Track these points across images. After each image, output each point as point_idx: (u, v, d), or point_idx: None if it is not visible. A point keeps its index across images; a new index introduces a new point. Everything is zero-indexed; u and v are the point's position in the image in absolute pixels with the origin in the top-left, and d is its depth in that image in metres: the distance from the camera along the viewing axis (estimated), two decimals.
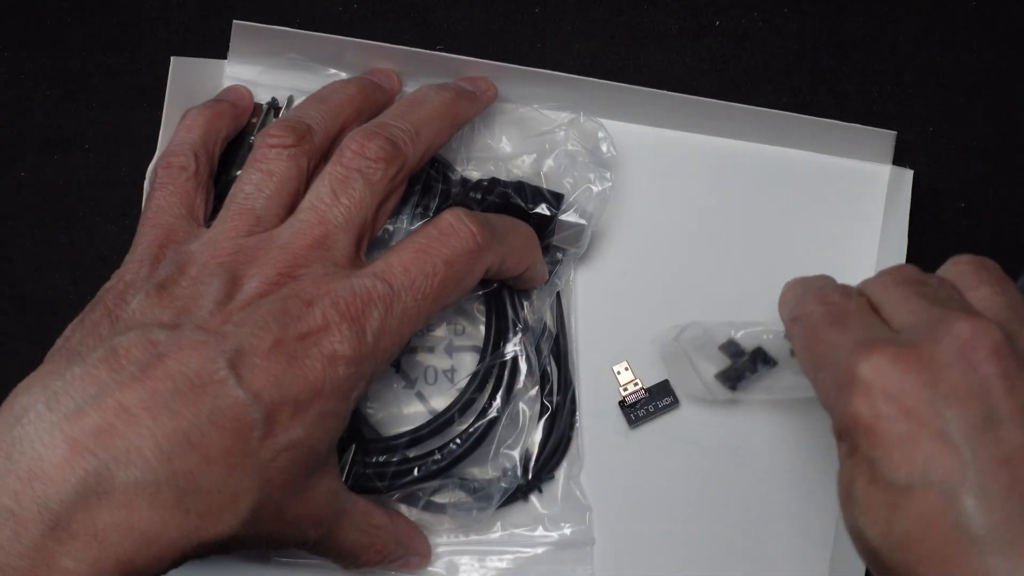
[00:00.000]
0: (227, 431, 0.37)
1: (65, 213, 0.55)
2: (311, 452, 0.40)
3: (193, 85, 0.53)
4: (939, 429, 0.35)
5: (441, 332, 0.53)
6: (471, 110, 0.51)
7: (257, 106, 0.53)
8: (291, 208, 0.44)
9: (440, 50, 0.55)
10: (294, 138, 0.45)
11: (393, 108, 0.48)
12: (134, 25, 0.56)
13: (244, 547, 0.40)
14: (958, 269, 0.41)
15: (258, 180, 0.45)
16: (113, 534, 0.35)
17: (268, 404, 0.38)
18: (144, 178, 0.49)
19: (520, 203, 0.50)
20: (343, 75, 0.53)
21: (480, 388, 0.51)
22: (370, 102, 0.50)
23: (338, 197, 0.44)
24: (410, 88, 0.53)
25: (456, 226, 0.44)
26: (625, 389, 0.53)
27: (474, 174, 0.53)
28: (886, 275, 0.42)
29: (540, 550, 0.52)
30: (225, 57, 0.54)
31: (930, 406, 0.35)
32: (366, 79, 0.51)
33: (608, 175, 0.52)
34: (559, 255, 0.52)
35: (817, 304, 0.42)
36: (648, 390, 0.53)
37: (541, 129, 0.53)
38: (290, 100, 0.53)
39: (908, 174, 0.52)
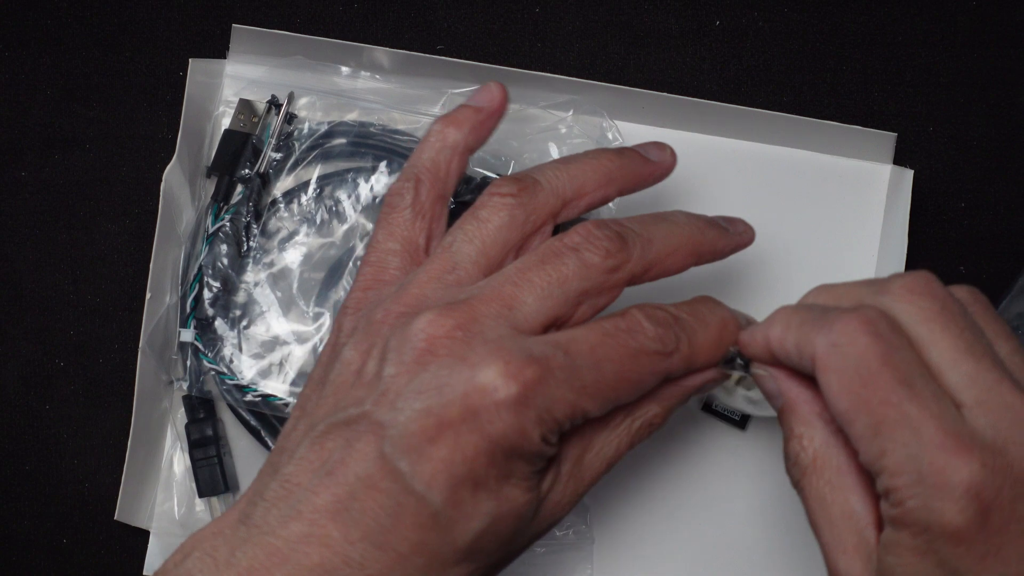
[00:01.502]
0: (411, 526, 0.36)
1: (65, 213, 0.55)
2: (515, 516, 0.38)
3: (209, 86, 0.53)
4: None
5: None
6: (718, 244, 0.46)
7: (269, 105, 0.53)
8: (499, 264, 0.41)
9: (440, 50, 0.55)
10: (516, 188, 0.42)
11: (636, 216, 0.43)
12: (134, 25, 0.56)
13: None
14: (974, 312, 0.38)
15: (470, 228, 0.41)
16: None
17: (443, 490, 0.36)
18: (151, 179, 0.49)
19: None
20: (344, 70, 0.53)
21: None
22: (625, 172, 0.45)
23: (543, 265, 0.40)
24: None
25: (643, 324, 0.39)
26: None
27: (477, 172, 0.53)
28: (916, 297, 0.37)
29: (540, 550, 0.52)
30: (225, 57, 0.54)
31: (1019, 522, 0.34)
32: (630, 149, 0.46)
33: None
34: None
35: (865, 333, 0.36)
36: None
37: (543, 126, 0.53)
38: (290, 98, 0.53)
39: (908, 174, 0.53)
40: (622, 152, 0.45)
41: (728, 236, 0.46)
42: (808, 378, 0.39)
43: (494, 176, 0.52)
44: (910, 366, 0.35)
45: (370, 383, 0.38)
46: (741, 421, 0.53)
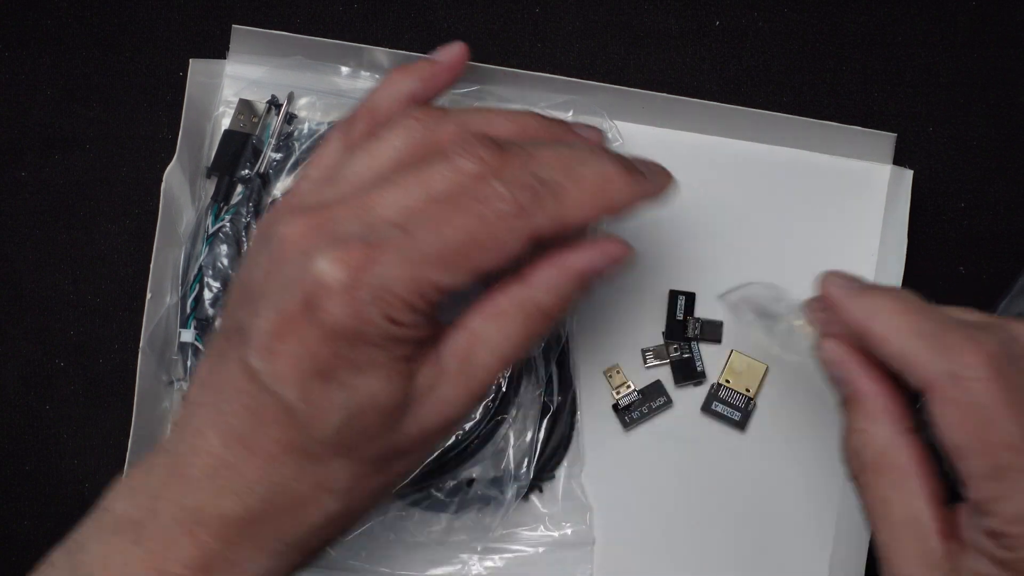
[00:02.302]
0: (272, 425, 0.37)
1: (65, 213, 0.55)
2: (376, 408, 0.37)
3: (209, 86, 0.53)
4: None
5: None
6: (637, 194, 0.41)
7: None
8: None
9: None
10: (423, 113, 0.41)
11: (540, 145, 0.41)
12: (134, 25, 0.56)
13: (378, 494, 0.40)
14: None
15: (367, 144, 0.41)
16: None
17: (294, 385, 0.36)
18: (151, 179, 0.49)
19: None
20: (344, 70, 0.53)
21: None
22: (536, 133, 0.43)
23: (410, 168, 0.39)
24: None
25: (498, 190, 0.38)
26: (617, 392, 0.53)
27: None
28: None
29: (540, 549, 0.52)
30: (225, 57, 0.54)
31: None
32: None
33: None
34: None
35: (991, 371, 0.35)
36: (641, 392, 0.53)
37: None
38: (290, 97, 0.53)
39: (908, 174, 0.53)
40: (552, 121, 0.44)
41: (644, 187, 0.41)
42: (879, 367, 0.38)
43: None
44: None
45: (246, 294, 0.39)
46: (741, 421, 0.53)
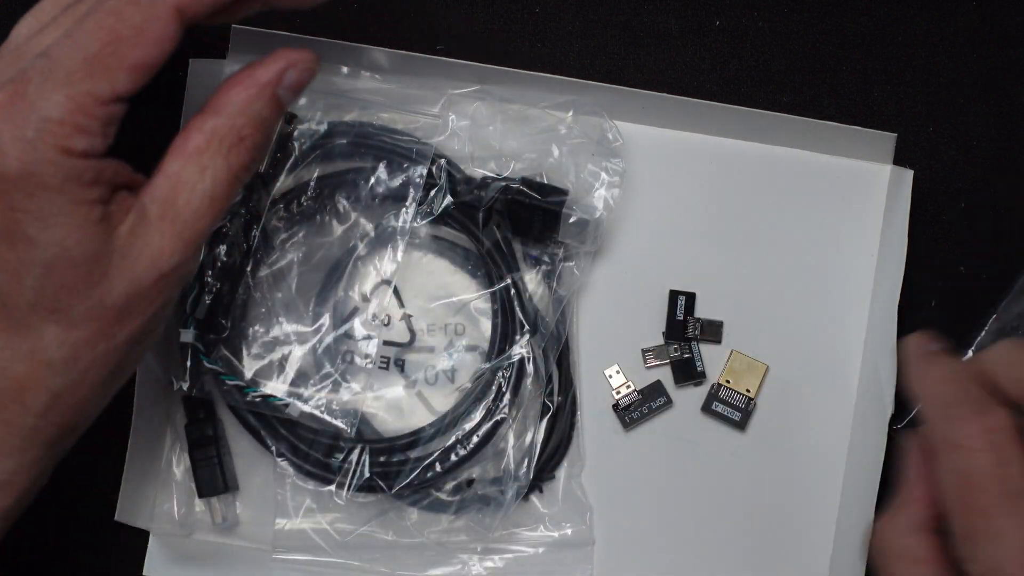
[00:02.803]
0: None
1: None
2: (70, 260, 0.35)
3: (209, 86, 0.53)
4: None
5: (441, 333, 0.53)
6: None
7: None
8: None
9: (440, 50, 0.55)
10: None
11: None
12: None
13: (109, 363, 0.37)
14: None
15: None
16: None
17: None
18: None
19: (527, 200, 0.51)
20: (344, 70, 0.53)
21: (485, 389, 0.51)
22: None
23: None
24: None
25: None
26: (618, 392, 0.53)
27: (478, 172, 0.53)
28: None
29: (540, 549, 0.52)
30: (225, 57, 0.54)
31: None
32: None
33: (618, 162, 0.52)
34: (560, 252, 0.52)
35: (983, 444, 0.37)
36: (641, 392, 0.53)
37: (543, 126, 0.53)
38: None
39: (908, 174, 0.52)
40: None
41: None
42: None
43: (493, 176, 0.52)
44: (1019, 481, 0.36)
45: None
46: (741, 421, 0.53)
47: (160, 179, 0.37)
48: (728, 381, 0.53)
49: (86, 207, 0.35)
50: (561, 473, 0.53)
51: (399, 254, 0.52)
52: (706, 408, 0.53)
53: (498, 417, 0.50)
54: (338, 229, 0.53)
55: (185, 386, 0.52)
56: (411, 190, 0.52)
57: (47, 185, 0.34)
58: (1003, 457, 0.36)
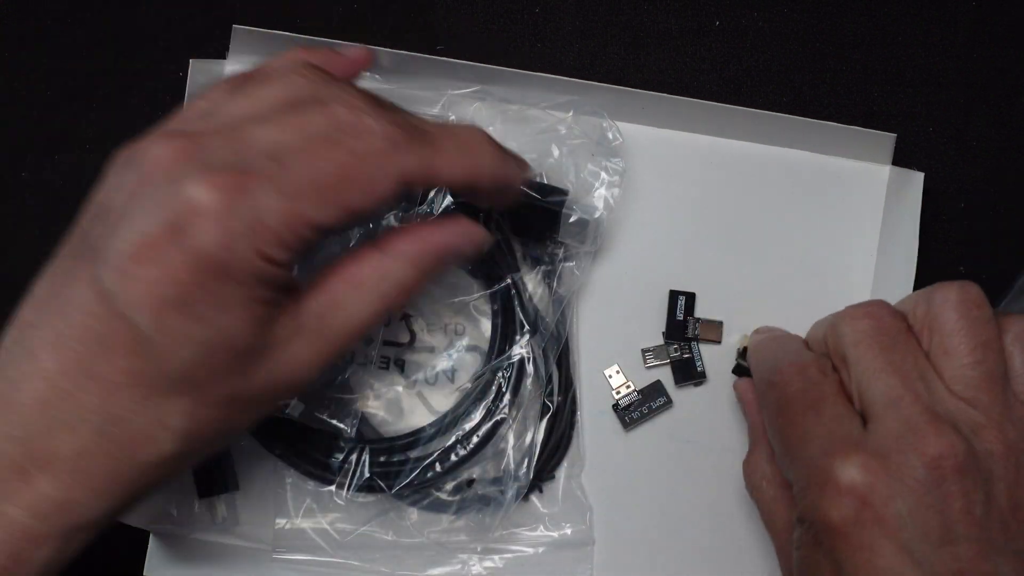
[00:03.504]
0: (120, 352, 0.35)
1: (65, 213, 0.55)
2: (230, 348, 0.36)
3: (209, 86, 0.53)
4: (901, 541, 0.37)
5: (441, 333, 0.53)
6: (502, 178, 0.43)
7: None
8: None
9: (440, 51, 0.55)
10: (316, 74, 0.40)
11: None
12: (134, 25, 0.56)
13: (214, 443, 0.38)
14: (939, 313, 0.42)
15: (255, 89, 0.41)
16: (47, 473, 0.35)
17: (150, 312, 0.35)
18: None
19: (527, 200, 0.51)
20: None
21: (485, 389, 0.51)
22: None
23: (288, 107, 0.39)
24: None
25: (371, 125, 0.38)
26: (618, 392, 0.53)
27: None
28: (859, 324, 0.43)
29: (540, 549, 0.52)
30: (226, 57, 0.54)
31: (896, 518, 0.38)
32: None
33: (618, 162, 0.52)
34: (560, 252, 0.52)
35: (795, 376, 0.43)
36: (641, 392, 0.53)
37: (543, 127, 0.53)
38: None
39: (918, 177, 0.52)
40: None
41: (510, 163, 0.43)
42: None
43: None
44: (824, 398, 0.42)
45: (103, 214, 0.37)
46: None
47: (323, 296, 0.39)
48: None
49: (259, 306, 0.36)
50: (561, 473, 0.53)
51: None
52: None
53: (498, 417, 0.50)
54: None
55: None
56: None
57: (235, 277, 0.35)
58: (809, 375, 0.43)
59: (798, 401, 0.43)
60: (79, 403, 0.35)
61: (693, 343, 0.53)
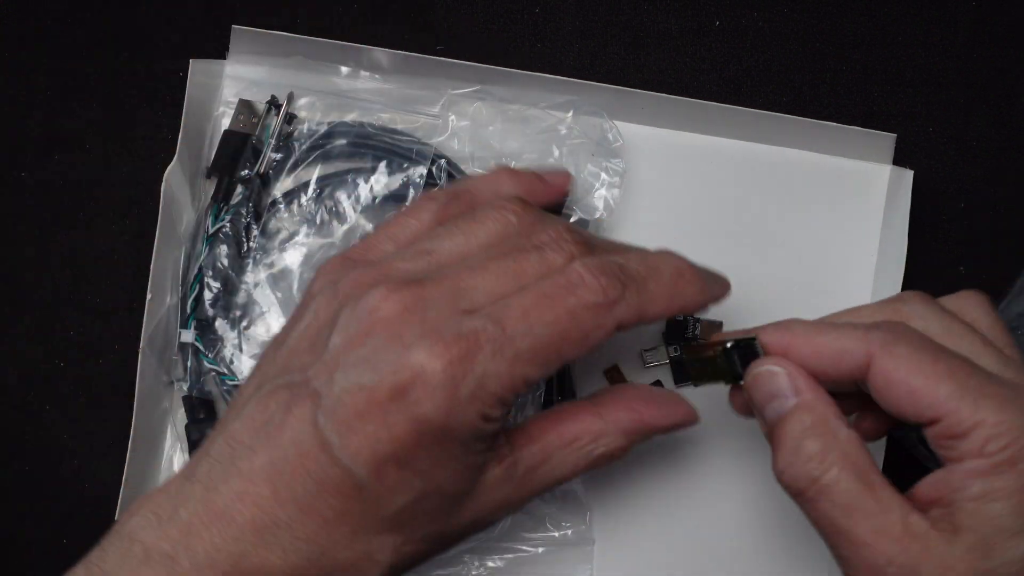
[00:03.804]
0: (335, 495, 0.37)
1: (65, 213, 0.55)
2: (442, 494, 0.38)
3: (209, 86, 0.53)
4: None
5: None
6: (704, 300, 0.43)
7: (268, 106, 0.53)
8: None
9: (440, 51, 0.55)
10: (522, 207, 0.42)
11: (619, 245, 0.43)
12: (134, 25, 0.56)
13: (413, 567, 0.40)
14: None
15: (463, 224, 0.42)
16: None
17: (368, 464, 0.36)
18: (151, 179, 0.49)
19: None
20: (344, 70, 0.53)
21: None
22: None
23: (506, 255, 0.40)
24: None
25: (585, 278, 0.38)
26: None
27: (478, 172, 0.53)
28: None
29: (540, 549, 0.52)
30: (226, 57, 0.54)
31: None
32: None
33: (619, 163, 0.52)
34: None
35: (914, 329, 0.40)
36: None
37: (543, 126, 0.53)
38: (290, 97, 0.53)
39: (908, 175, 0.53)
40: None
41: (712, 289, 0.44)
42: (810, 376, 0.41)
43: None
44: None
45: (318, 350, 0.38)
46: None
47: (536, 448, 0.40)
48: None
49: (474, 456, 0.38)
50: None
51: None
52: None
53: None
54: (338, 229, 0.53)
55: (185, 386, 0.52)
56: (411, 190, 0.52)
57: (456, 439, 0.37)
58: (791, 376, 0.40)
59: (945, 348, 0.39)
60: (292, 532, 0.37)
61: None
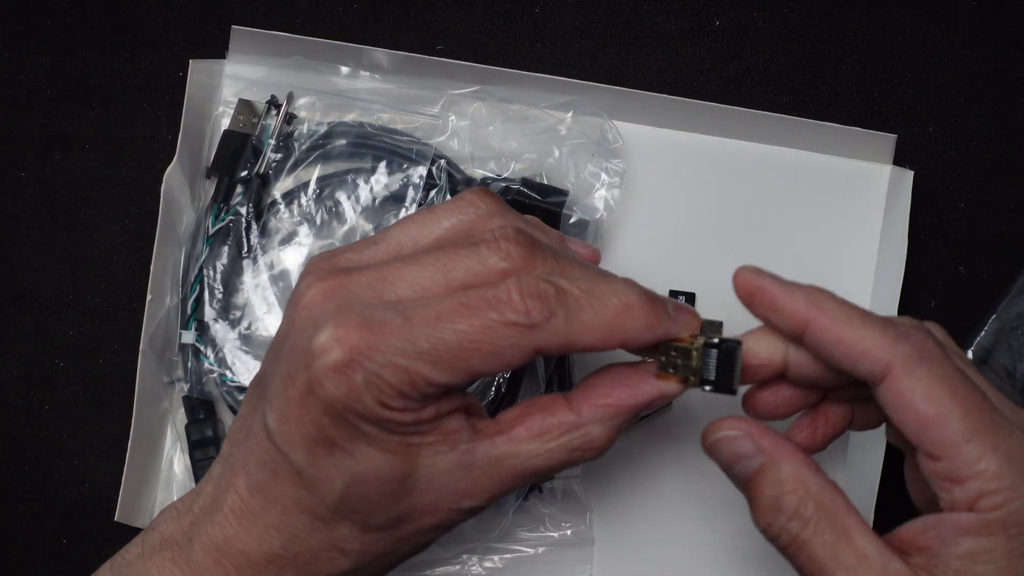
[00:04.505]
0: (286, 482, 0.39)
1: (65, 213, 0.55)
2: (378, 477, 0.38)
3: (209, 86, 0.53)
4: None
5: None
6: (652, 334, 0.40)
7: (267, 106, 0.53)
8: None
9: (440, 51, 0.55)
10: (521, 253, 0.39)
11: (573, 262, 0.40)
12: (134, 25, 0.56)
13: (386, 562, 0.41)
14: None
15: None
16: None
17: (301, 449, 0.38)
18: (151, 179, 0.49)
19: (527, 201, 0.51)
20: (344, 70, 0.53)
21: (485, 389, 0.51)
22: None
23: (438, 250, 0.40)
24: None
25: (512, 295, 0.37)
26: None
27: (478, 173, 0.53)
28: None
29: (540, 549, 0.52)
30: (225, 57, 0.54)
31: None
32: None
33: (619, 163, 0.52)
34: None
35: (942, 349, 0.38)
36: None
37: (543, 126, 0.53)
38: (290, 97, 0.53)
39: (908, 175, 0.53)
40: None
41: (665, 326, 0.40)
42: (775, 434, 0.40)
43: (494, 177, 0.52)
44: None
45: (274, 347, 0.40)
46: None
47: (502, 438, 0.40)
48: None
49: (399, 438, 0.38)
50: (560, 473, 0.53)
51: None
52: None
53: None
54: (338, 229, 0.53)
55: (185, 386, 0.52)
56: (411, 191, 0.52)
57: (366, 419, 0.37)
58: (952, 358, 0.39)
59: (967, 381, 0.38)
60: (263, 520, 0.39)
61: None
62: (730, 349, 0.39)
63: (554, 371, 0.52)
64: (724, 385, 0.39)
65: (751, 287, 0.40)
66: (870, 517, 0.51)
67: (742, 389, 0.42)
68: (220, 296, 0.52)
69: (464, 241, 0.39)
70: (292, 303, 0.39)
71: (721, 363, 0.39)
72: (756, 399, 0.42)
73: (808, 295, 0.39)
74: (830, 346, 0.38)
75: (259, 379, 0.41)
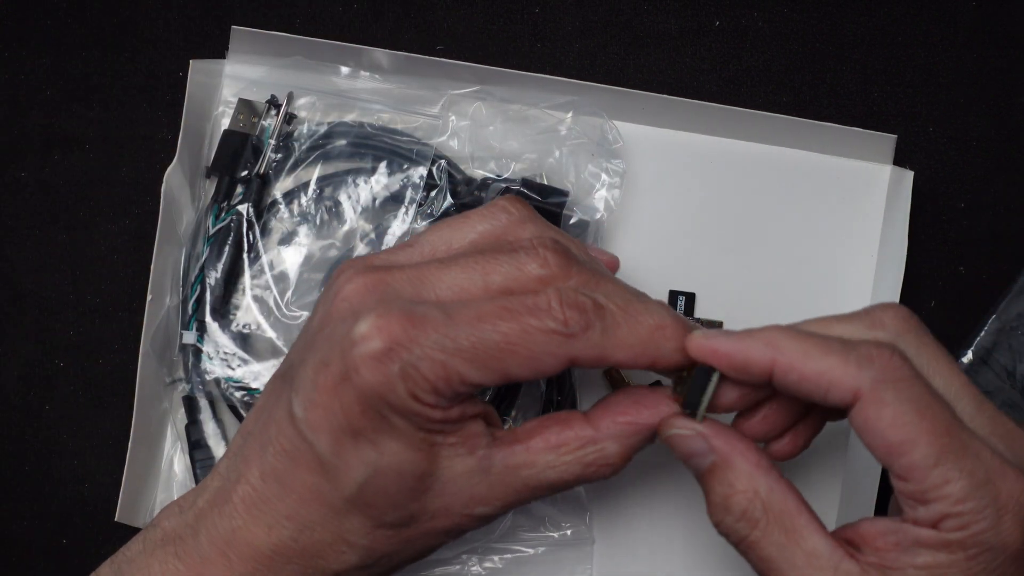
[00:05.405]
0: (305, 470, 0.39)
1: (65, 213, 0.55)
2: (399, 472, 0.38)
3: (209, 86, 0.53)
4: None
5: None
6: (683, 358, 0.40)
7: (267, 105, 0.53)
8: None
9: (440, 51, 0.55)
10: (558, 264, 0.40)
11: (610, 281, 0.41)
12: (134, 25, 0.56)
13: (393, 562, 0.41)
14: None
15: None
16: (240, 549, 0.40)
17: (326, 437, 0.38)
18: (151, 179, 0.49)
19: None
20: (344, 70, 0.53)
21: (485, 391, 0.51)
22: None
23: (477, 254, 0.40)
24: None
25: (552, 303, 0.38)
26: None
27: (478, 173, 0.53)
28: (911, 328, 0.40)
29: (540, 550, 0.52)
30: (225, 57, 0.54)
31: None
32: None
33: (619, 163, 0.52)
34: None
35: (911, 371, 0.38)
36: None
37: (543, 127, 0.53)
38: (289, 98, 0.53)
39: (908, 175, 0.53)
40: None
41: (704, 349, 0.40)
42: (732, 431, 0.40)
43: (494, 177, 0.52)
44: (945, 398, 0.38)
45: (303, 339, 0.41)
46: None
47: (520, 447, 0.40)
48: None
49: (424, 434, 0.38)
50: None
51: None
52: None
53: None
54: (338, 229, 0.53)
55: (185, 386, 0.52)
56: (411, 191, 0.52)
57: (396, 412, 0.37)
58: (922, 378, 0.38)
59: (936, 403, 0.38)
60: (275, 508, 0.39)
61: None
62: (702, 373, 0.40)
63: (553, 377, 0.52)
64: (690, 407, 0.41)
65: (705, 352, 0.40)
66: (871, 511, 0.51)
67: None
68: (220, 296, 0.52)
69: (502, 247, 0.40)
70: (328, 296, 0.40)
71: (693, 388, 0.40)
72: (744, 428, 0.42)
73: (764, 339, 0.39)
74: (797, 384, 0.39)
75: (284, 371, 0.41)
